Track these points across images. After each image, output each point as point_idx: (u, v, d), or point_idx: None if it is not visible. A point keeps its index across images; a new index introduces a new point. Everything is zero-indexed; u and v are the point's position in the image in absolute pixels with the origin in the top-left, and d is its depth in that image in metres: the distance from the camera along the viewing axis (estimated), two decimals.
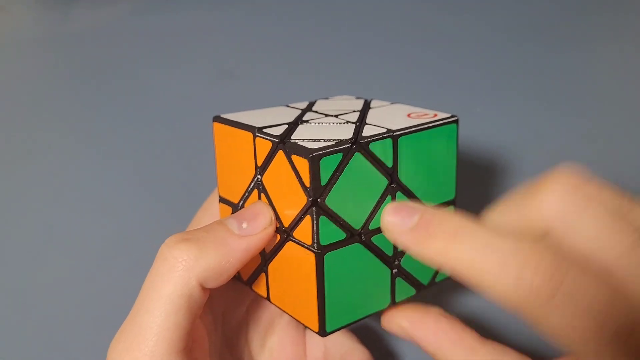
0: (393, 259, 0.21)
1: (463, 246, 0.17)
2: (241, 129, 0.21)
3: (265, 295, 0.21)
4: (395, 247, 0.21)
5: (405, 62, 0.47)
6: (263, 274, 0.21)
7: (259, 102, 0.42)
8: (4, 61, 0.46)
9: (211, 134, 0.39)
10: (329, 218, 0.18)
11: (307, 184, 0.18)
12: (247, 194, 0.21)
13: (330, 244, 0.19)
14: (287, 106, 0.24)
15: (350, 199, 0.19)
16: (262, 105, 0.42)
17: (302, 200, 0.18)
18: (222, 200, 0.23)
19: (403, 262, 0.21)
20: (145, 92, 0.43)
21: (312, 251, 0.19)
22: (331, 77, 0.45)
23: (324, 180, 0.18)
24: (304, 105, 0.24)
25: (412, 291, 0.22)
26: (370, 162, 0.19)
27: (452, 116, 0.22)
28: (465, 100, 0.41)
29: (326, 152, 0.18)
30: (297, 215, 0.19)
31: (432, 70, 0.46)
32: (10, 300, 0.30)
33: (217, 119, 0.22)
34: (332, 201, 0.18)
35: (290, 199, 0.19)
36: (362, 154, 0.19)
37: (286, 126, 0.20)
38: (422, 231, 0.18)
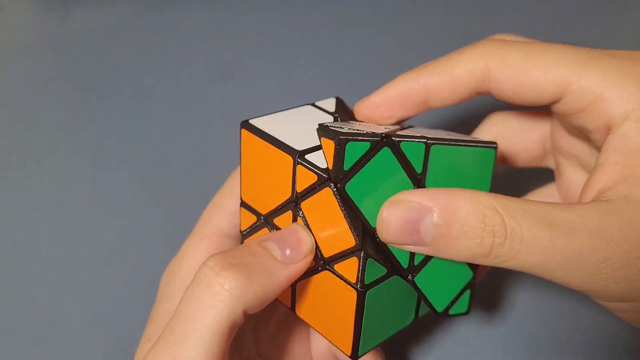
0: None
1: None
2: (278, 148, 0.20)
3: (289, 305, 0.21)
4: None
5: (408, 62, 0.47)
6: (289, 288, 0.21)
7: (259, 102, 0.42)
8: (4, 61, 0.46)
9: (211, 133, 0.39)
10: (374, 259, 0.18)
11: (330, 165, 0.18)
12: (278, 211, 0.20)
13: (372, 282, 0.19)
14: (314, 105, 0.23)
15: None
16: (264, 105, 0.42)
17: (349, 240, 0.18)
18: (245, 206, 0.22)
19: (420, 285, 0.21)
20: (145, 92, 0.43)
21: (355, 289, 0.18)
22: (332, 77, 0.45)
23: (346, 165, 0.18)
24: (331, 105, 0.23)
25: None
26: (400, 162, 0.19)
27: (491, 142, 0.21)
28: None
29: (350, 136, 0.18)
30: (341, 252, 0.19)
31: None
32: (10, 300, 0.29)
33: (246, 126, 0.21)
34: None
35: (334, 233, 0.18)
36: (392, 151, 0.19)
37: None
38: (443, 240, 0.18)
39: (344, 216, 0.18)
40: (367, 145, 0.18)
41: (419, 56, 0.47)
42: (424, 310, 0.22)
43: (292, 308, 0.21)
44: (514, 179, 0.30)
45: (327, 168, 0.18)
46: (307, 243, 0.19)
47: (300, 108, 0.22)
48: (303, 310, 0.21)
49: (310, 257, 0.19)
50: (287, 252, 0.19)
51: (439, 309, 0.22)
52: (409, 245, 0.18)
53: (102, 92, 0.43)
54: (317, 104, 0.23)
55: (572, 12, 0.53)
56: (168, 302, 0.21)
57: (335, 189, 0.18)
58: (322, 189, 0.18)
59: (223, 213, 0.23)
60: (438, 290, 0.21)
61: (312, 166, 0.19)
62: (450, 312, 0.22)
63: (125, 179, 0.36)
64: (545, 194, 0.25)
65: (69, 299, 0.30)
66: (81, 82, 0.44)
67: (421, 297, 0.21)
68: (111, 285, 0.30)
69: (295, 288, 0.21)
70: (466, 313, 0.23)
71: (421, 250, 0.19)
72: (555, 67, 0.19)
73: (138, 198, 0.35)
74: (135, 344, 0.24)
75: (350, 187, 0.18)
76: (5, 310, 0.29)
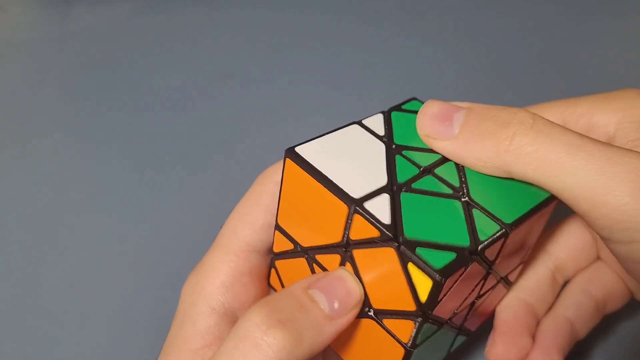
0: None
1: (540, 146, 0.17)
2: (331, 192, 0.18)
3: None
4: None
5: (409, 61, 0.46)
6: None
7: (260, 100, 0.42)
8: (4, 61, 0.46)
9: (211, 133, 0.39)
10: (431, 323, 0.18)
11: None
12: (323, 250, 0.19)
13: (422, 341, 0.18)
14: (361, 125, 0.21)
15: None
16: (265, 104, 0.42)
17: (408, 303, 0.17)
18: (281, 231, 0.21)
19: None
20: (146, 92, 0.43)
21: (404, 347, 0.18)
22: (332, 77, 0.45)
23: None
24: (379, 125, 0.21)
25: (463, 338, 0.22)
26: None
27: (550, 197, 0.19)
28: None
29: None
30: (395, 310, 0.17)
31: (432, 69, 0.46)
32: (9, 301, 0.29)
33: (292, 155, 0.19)
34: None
35: (391, 291, 0.17)
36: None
37: (387, 198, 0.18)
38: (470, 126, 0.18)
39: (407, 282, 0.16)
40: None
41: (421, 53, 0.47)
42: (455, 345, 0.22)
43: None
44: None
45: (391, 224, 0.17)
46: (356, 295, 0.18)
47: (347, 129, 0.20)
48: (337, 343, 0.21)
49: (358, 309, 0.18)
50: (335, 305, 0.18)
51: (507, 219, 0.18)
52: (439, 135, 0.19)
53: (103, 91, 0.43)
54: (364, 122, 0.21)
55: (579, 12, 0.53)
56: (193, 326, 0.20)
57: (399, 253, 0.16)
58: (383, 247, 0.17)
59: (250, 227, 0.21)
60: (497, 205, 0.19)
61: (373, 219, 0.17)
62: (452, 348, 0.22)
63: (126, 178, 0.36)
64: (570, 222, 0.25)
65: (71, 299, 0.30)
66: (81, 81, 0.44)
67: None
68: (102, 284, 0.30)
69: None
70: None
71: (447, 145, 0.19)
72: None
73: (139, 197, 0.35)
74: (139, 347, 0.24)
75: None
76: (5, 309, 0.29)
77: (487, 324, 0.24)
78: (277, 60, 0.46)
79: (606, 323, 0.27)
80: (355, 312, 0.18)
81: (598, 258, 0.25)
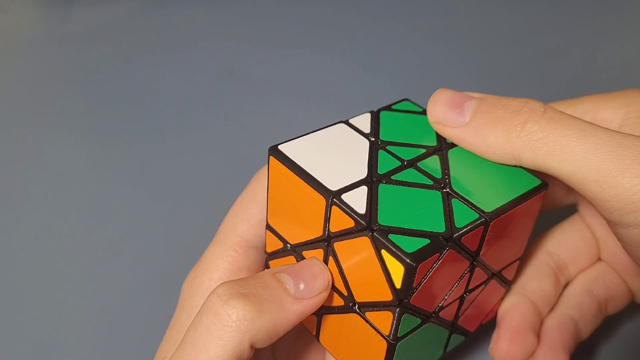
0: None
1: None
2: (310, 185, 0.18)
3: (314, 333, 0.21)
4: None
5: (408, 61, 0.46)
6: (315, 317, 0.20)
7: (260, 100, 0.42)
8: (4, 61, 0.46)
9: (213, 132, 0.39)
10: (409, 314, 0.18)
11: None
12: (308, 245, 0.20)
13: (405, 334, 0.18)
14: (347, 124, 0.21)
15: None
16: (265, 103, 0.42)
17: (385, 293, 0.17)
18: (271, 230, 0.21)
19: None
20: (146, 92, 0.43)
21: (387, 340, 0.18)
22: (332, 75, 0.45)
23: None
24: (366, 124, 0.21)
25: (462, 338, 0.22)
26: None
27: (543, 184, 0.20)
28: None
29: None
30: (375, 302, 0.18)
31: (427, 69, 0.46)
32: (8, 301, 0.29)
33: (275, 153, 0.19)
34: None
35: (369, 282, 0.18)
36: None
37: (365, 190, 0.18)
38: (481, 113, 0.18)
39: (382, 270, 0.17)
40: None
41: (419, 54, 0.47)
42: (452, 345, 0.22)
43: (317, 336, 0.21)
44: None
45: (365, 213, 0.17)
46: (322, 279, 0.18)
47: (333, 128, 0.21)
48: (328, 341, 0.21)
49: (325, 295, 0.18)
50: (301, 286, 0.18)
51: (488, 209, 0.18)
52: (450, 122, 0.19)
53: (103, 91, 0.43)
54: (350, 121, 0.21)
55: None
56: (189, 318, 0.20)
57: (373, 239, 0.17)
58: (359, 236, 0.17)
59: (247, 223, 0.22)
60: (479, 196, 0.19)
61: (349, 209, 0.17)
62: (448, 349, 0.22)
63: (126, 179, 0.36)
64: (571, 223, 0.25)
65: (64, 299, 0.30)
66: (81, 80, 0.44)
67: (462, 332, 0.20)
68: (102, 284, 0.30)
69: (321, 320, 0.20)
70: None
71: (457, 132, 0.19)
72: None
73: (140, 197, 0.35)
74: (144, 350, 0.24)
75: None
76: (7, 312, 0.29)
77: (488, 326, 0.24)
78: (277, 58, 0.46)
79: (610, 325, 0.27)
80: (322, 296, 0.18)
81: (599, 259, 0.25)
